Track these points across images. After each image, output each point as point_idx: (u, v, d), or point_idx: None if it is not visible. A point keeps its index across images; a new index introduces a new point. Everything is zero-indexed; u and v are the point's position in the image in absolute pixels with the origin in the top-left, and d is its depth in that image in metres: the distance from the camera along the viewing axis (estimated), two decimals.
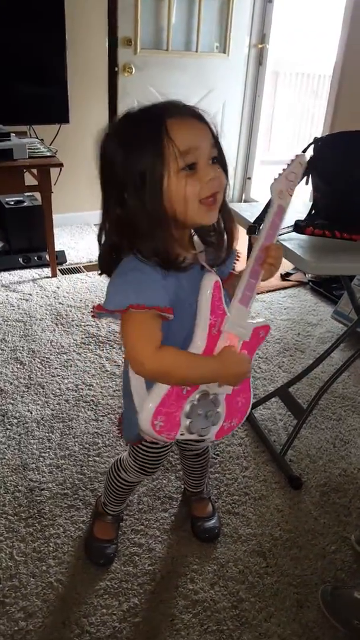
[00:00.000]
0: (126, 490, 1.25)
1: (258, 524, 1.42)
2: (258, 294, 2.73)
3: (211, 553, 1.34)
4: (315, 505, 1.49)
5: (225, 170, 0.84)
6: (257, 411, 1.85)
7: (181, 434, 0.91)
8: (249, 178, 3.99)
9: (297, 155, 0.88)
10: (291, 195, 0.88)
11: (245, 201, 4.00)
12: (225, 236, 0.91)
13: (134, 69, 3.21)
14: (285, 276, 2.93)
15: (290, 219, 1.37)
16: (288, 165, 0.87)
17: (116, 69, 3.19)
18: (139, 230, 0.80)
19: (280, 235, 1.37)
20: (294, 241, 1.35)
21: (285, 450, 1.64)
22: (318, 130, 3.43)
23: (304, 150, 1.45)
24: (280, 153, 4.80)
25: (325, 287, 2.77)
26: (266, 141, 4.90)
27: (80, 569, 1.27)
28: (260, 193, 3.84)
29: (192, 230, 0.90)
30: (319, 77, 4.60)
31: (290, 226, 1.36)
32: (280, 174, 0.87)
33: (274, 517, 1.44)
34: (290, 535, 1.39)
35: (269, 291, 2.81)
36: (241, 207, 1.59)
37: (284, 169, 0.87)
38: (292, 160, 0.87)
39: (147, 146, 0.77)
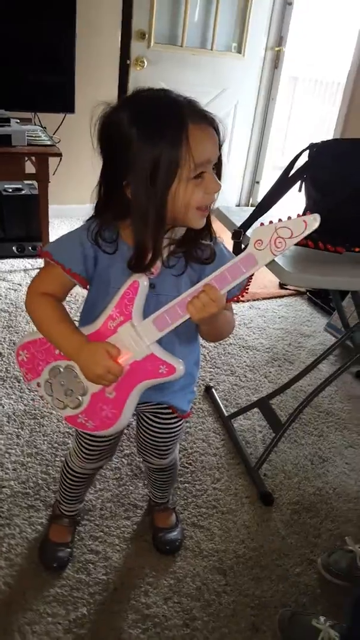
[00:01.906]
0: (75, 483, 1.21)
1: (222, 539, 1.37)
2: (254, 300, 2.71)
3: (169, 566, 1.29)
4: (284, 523, 1.43)
5: (219, 176, 0.83)
6: (236, 421, 1.79)
7: (37, 384, 0.97)
8: (258, 182, 3.93)
9: (307, 215, 0.72)
10: (274, 255, 0.76)
11: (252, 205, 3.94)
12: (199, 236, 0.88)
13: (146, 63, 3.16)
14: (283, 284, 2.87)
15: None
16: (289, 218, 0.73)
17: (128, 61, 3.14)
18: (120, 212, 0.82)
19: None
20: None
21: (260, 464, 1.58)
22: (330, 137, 3.37)
23: (298, 156, 1.40)
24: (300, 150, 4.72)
25: (323, 299, 2.71)
26: (280, 146, 4.84)
27: (31, 573, 1.23)
28: None
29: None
30: (337, 84, 4.52)
31: None
32: (270, 223, 0.75)
33: (239, 534, 1.39)
34: (254, 554, 1.34)
35: (265, 299, 2.76)
36: (230, 210, 1.53)
37: (280, 219, 0.74)
38: (298, 217, 0.72)
39: (164, 144, 0.76)
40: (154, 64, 3.18)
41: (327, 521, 1.46)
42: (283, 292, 2.84)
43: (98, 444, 1.10)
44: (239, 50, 3.42)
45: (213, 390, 1.93)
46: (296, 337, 2.42)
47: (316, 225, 0.71)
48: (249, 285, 0.89)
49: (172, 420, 1.09)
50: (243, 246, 0.77)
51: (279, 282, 2.88)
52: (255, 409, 1.80)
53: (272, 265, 1.24)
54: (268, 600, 1.23)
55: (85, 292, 0.97)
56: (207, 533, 1.38)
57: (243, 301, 2.66)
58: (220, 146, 0.81)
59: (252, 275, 0.86)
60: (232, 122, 3.60)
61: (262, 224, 0.75)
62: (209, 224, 0.88)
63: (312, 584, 1.28)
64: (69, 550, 1.26)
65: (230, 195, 3.88)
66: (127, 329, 0.86)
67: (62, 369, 0.94)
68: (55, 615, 1.15)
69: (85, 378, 0.90)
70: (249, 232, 1.35)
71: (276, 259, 1.25)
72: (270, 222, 0.74)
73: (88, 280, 0.91)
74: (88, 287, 0.93)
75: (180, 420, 1.10)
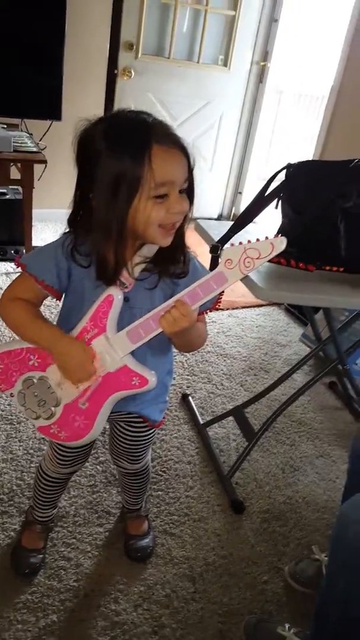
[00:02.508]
0: (49, 488, 1.23)
1: (193, 547, 1.40)
2: (233, 308, 2.75)
3: (140, 573, 1.31)
4: (254, 532, 1.47)
5: (191, 199, 0.87)
6: (211, 429, 1.82)
7: (11, 394, 0.99)
8: (240, 192, 3.99)
9: (275, 238, 0.76)
10: (243, 274, 0.79)
11: (234, 215, 3.99)
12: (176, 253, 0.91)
13: (133, 73, 3.20)
14: None
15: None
16: (257, 240, 0.77)
17: (115, 71, 3.18)
18: (90, 225, 0.84)
19: None
20: None
21: (232, 473, 1.61)
22: (313, 149, 3.44)
23: (275, 175, 1.45)
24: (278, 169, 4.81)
25: (299, 309, 2.76)
26: (264, 156, 4.92)
27: (2, 579, 1.24)
28: None
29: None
30: (321, 98, 4.62)
31: None
32: (240, 244, 0.78)
33: (210, 541, 1.42)
34: (224, 562, 1.37)
35: (244, 307, 2.80)
36: (209, 224, 1.57)
37: (249, 241, 0.78)
38: (266, 239, 0.76)
39: (127, 160, 0.79)
40: (141, 74, 3.22)
41: (295, 530, 1.50)
42: (261, 301, 2.89)
43: (72, 450, 1.12)
44: (225, 63, 3.48)
45: (189, 398, 1.96)
46: (272, 347, 2.46)
47: (282, 247, 0.76)
48: (220, 298, 0.92)
49: (144, 429, 1.12)
50: (220, 260, 0.81)
51: None
52: (230, 417, 1.83)
53: (246, 281, 1.28)
54: (235, 608, 1.26)
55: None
56: (179, 540, 1.41)
57: (222, 309, 2.72)
58: (190, 170, 0.84)
59: (222, 293, 0.90)
60: (216, 133, 3.66)
61: (232, 244, 0.79)
62: (181, 242, 0.91)
63: (279, 592, 1.31)
64: (41, 556, 1.28)
65: (213, 206, 3.94)
66: (100, 341, 0.89)
67: (35, 380, 0.96)
68: (25, 623, 1.16)
69: (59, 369, 0.92)
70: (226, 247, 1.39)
71: (250, 275, 1.30)
72: (240, 242, 0.78)
73: (60, 293, 0.94)
74: (62, 298, 0.96)
75: (151, 429, 1.13)
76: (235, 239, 1.37)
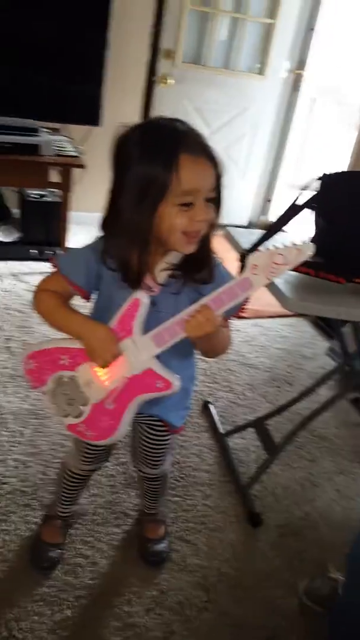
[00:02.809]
0: (72, 484, 1.26)
1: (208, 556, 1.40)
2: (258, 317, 2.74)
3: (154, 578, 1.32)
4: (270, 546, 1.47)
5: (219, 208, 0.88)
6: (231, 439, 1.83)
7: (43, 393, 1.02)
8: (269, 200, 3.99)
9: (302, 244, 0.77)
10: (269, 280, 0.81)
11: (263, 223, 3.98)
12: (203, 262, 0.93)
13: (171, 81, 3.23)
14: None
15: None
16: (285, 246, 0.78)
17: (154, 78, 3.22)
18: (115, 228, 0.88)
19: None
20: (282, 276, 1.33)
21: (251, 484, 1.61)
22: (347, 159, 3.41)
23: (309, 184, 1.44)
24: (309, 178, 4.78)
25: (327, 322, 2.74)
26: (296, 165, 4.90)
27: (21, 571, 1.27)
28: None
29: None
30: (357, 108, 4.57)
31: None
32: (267, 249, 0.79)
33: (225, 552, 1.42)
34: (238, 574, 1.37)
35: (269, 317, 2.79)
36: (239, 232, 1.58)
37: (275, 246, 0.78)
38: (293, 245, 0.77)
39: (155, 167, 0.82)
40: (179, 82, 3.25)
41: (312, 547, 1.49)
42: (288, 312, 2.87)
43: (96, 448, 1.15)
44: (261, 71, 3.49)
45: (210, 405, 1.96)
46: (297, 359, 2.45)
47: (309, 253, 0.77)
48: (245, 305, 0.94)
49: (165, 434, 1.14)
50: (246, 265, 0.82)
51: None
52: (251, 429, 1.83)
53: (274, 290, 1.28)
54: (248, 622, 1.26)
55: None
56: (194, 548, 1.42)
57: (247, 318, 2.72)
58: (218, 178, 0.85)
59: (248, 299, 0.91)
60: (250, 141, 3.66)
61: (259, 250, 0.81)
62: (206, 249, 0.92)
63: (293, 609, 1.31)
64: (59, 551, 1.31)
65: (243, 213, 3.94)
66: (127, 343, 0.91)
67: (66, 379, 0.99)
68: (41, 615, 1.19)
69: (86, 351, 0.95)
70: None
71: (279, 285, 1.31)
72: (268, 248, 0.79)
73: (88, 293, 0.98)
74: (90, 299, 1.00)
75: (171, 434, 1.15)
76: (264, 247, 1.38)
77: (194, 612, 1.26)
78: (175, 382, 0.92)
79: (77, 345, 0.97)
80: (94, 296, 1.02)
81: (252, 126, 3.63)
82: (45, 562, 1.28)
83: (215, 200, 0.87)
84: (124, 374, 0.94)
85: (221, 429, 1.86)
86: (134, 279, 0.90)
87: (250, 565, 1.40)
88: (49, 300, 0.97)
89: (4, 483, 1.48)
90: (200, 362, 2.23)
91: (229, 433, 1.83)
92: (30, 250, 2.77)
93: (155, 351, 0.91)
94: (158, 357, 0.94)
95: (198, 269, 0.92)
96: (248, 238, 1.51)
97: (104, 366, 0.94)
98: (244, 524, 1.51)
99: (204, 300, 0.86)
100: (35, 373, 1.02)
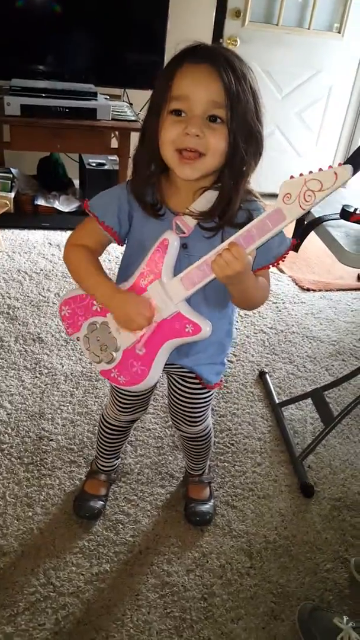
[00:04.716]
0: (111, 436, 1.24)
1: (254, 522, 1.34)
2: (327, 290, 2.59)
3: (196, 540, 1.28)
4: (322, 518, 1.37)
5: (243, 140, 0.79)
6: (287, 410, 1.74)
7: (77, 338, 1.00)
8: None
9: (339, 167, 0.67)
10: (303, 209, 0.72)
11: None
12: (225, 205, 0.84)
13: (238, 42, 3.10)
14: None
15: (338, 204, 1.23)
16: (320, 169, 0.69)
17: (221, 40, 3.10)
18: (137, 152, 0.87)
19: (326, 221, 1.25)
20: (341, 229, 1.22)
21: (305, 455, 1.52)
22: None
23: None
24: None
25: None
26: None
27: (63, 523, 1.28)
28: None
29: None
30: None
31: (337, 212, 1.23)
32: (301, 175, 0.70)
33: (273, 520, 1.35)
34: (285, 542, 1.30)
35: (339, 290, 2.63)
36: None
37: (310, 172, 0.70)
38: (329, 168, 0.68)
39: (161, 78, 0.80)
40: (247, 42, 3.11)
41: None
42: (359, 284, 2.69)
43: (131, 397, 1.12)
44: (339, 30, 3.25)
45: (267, 376, 1.88)
46: None
47: (348, 176, 0.67)
48: (287, 254, 0.85)
49: (199, 389, 1.08)
50: (278, 195, 0.73)
51: (358, 275, 2.73)
52: (309, 400, 1.73)
53: (332, 244, 1.18)
54: (292, 591, 1.19)
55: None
56: (240, 514, 1.36)
57: (314, 290, 2.57)
58: (232, 99, 0.76)
59: (290, 248, 0.82)
60: (324, 105, 3.44)
61: (292, 177, 0.71)
62: (235, 192, 0.82)
63: (341, 583, 1.22)
64: (102, 502, 1.30)
65: None
66: (156, 286, 0.87)
67: (98, 325, 0.97)
68: (79, 566, 1.19)
69: (116, 321, 0.92)
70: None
71: (338, 238, 1.20)
72: (301, 174, 0.70)
73: (120, 236, 0.92)
74: (123, 244, 0.95)
75: (207, 390, 1.09)
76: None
77: (236, 576, 1.21)
78: (206, 327, 0.87)
79: None
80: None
81: (327, 90, 3.41)
82: (86, 512, 1.28)
83: (230, 127, 0.77)
84: (154, 320, 0.89)
85: (277, 399, 1.77)
86: (150, 207, 0.86)
87: (299, 536, 1.32)
88: (80, 258, 0.93)
89: (51, 440, 1.50)
90: (260, 333, 2.15)
91: (285, 403, 1.74)
92: None
93: (184, 294, 0.85)
94: (195, 303, 0.89)
95: (230, 210, 0.83)
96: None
97: (140, 329, 0.90)
98: (295, 494, 1.43)
99: (233, 237, 0.78)
100: (70, 319, 1.01)
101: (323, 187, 0.68)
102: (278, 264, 0.88)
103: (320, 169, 0.69)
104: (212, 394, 1.12)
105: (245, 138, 0.79)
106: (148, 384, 0.94)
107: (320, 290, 2.61)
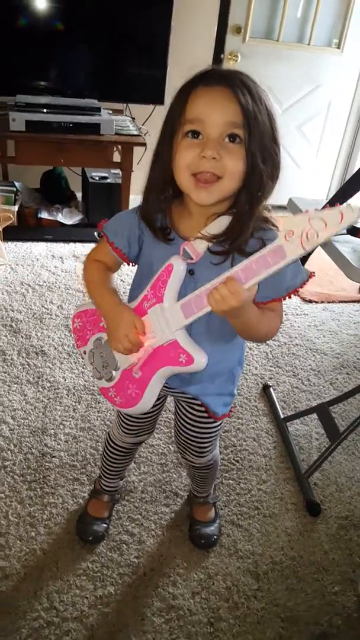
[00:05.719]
0: (116, 457, 1.22)
1: (260, 542, 1.32)
2: (329, 302, 2.58)
3: (202, 561, 1.26)
4: (329, 537, 1.35)
5: (262, 161, 0.76)
6: (292, 425, 1.72)
7: (83, 352, 1.01)
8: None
9: (346, 206, 0.63)
10: (304, 249, 0.67)
11: None
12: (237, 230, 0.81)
13: (239, 57, 3.12)
14: None
15: None
16: (327, 206, 0.67)
17: (222, 55, 3.12)
18: (147, 178, 0.86)
19: (334, 236, 1.24)
20: (348, 244, 1.21)
21: (311, 472, 1.50)
22: None
23: None
24: None
25: None
26: None
27: (66, 544, 1.26)
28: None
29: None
30: None
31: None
32: (305, 212, 0.67)
33: (279, 540, 1.33)
34: (292, 563, 1.27)
35: (341, 302, 2.62)
36: (303, 201, 1.47)
37: (316, 209, 0.66)
38: (335, 207, 0.64)
39: (175, 101, 0.78)
40: (248, 58, 3.13)
41: None
42: None
43: (136, 419, 1.10)
44: (338, 45, 3.28)
45: (271, 389, 1.86)
46: None
47: (355, 217, 0.62)
48: (301, 287, 0.83)
49: (206, 418, 1.04)
50: (280, 232, 0.70)
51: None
52: (314, 415, 1.71)
53: (339, 259, 1.17)
54: (300, 615, 1.16)
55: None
56: (246, 534, 1.33)
57: (316, 302, 2.57)
58: (248, 118, 0.74)
59: (306, 281, 0.82)
60: (324, 118, 3.46)
61: (294, 215, 0.69)
62: (249, 216, 0.79)
63: (350, 606, 1.19)
64: (105, 525, 1.28)
65: (318, 192, 3.75)
66: (156, 311, 0.85)
67: (103, 342, 0.96)
68: (83, 589, 1.16)
69: (107, 338, 0.93)
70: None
71: (345, 253, 1.19)
72: (307, 211, 0.67)
73: (130, 258, 0.92)
74: (133, 264, 0.94)
75: (215, 421, 1.05)
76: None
77: (243, 599, 1.18)
78: (201, 359, 0.83)
79: None
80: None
81: (327, 104, 3.43)
82: (90, 535, 1.26)
83: (247, 148, 0.75)
84: (149, 345, 0.87)
85: (282, 413, 1.76)
86: (160, 231, 0.85)
87: (306, 556, 1.29)
88: (92, 272, 0.96)
89: (54, 457, 1.48)
90: (262, 345, 2.13)
91: (290, 418, 1.72)
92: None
93: (183, 322, 0.83)
94: (198, 333, 0.87)
95: (241, 236, 0.80)
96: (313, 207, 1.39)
97: (124, 352, 0.89)
98: (301, 512, 1.41)
99: (231, 271, 0.75)
100: (80, 332, 1.01)
101: (327, 227, 0.64)
102: (290, 296, 0.84)
103: (327, 206, 0.66)
104: (220, 425, 1.08)
105: (263, 159, 0.76)
106: (141, 408, 0.92)
107: (322, 302, 2.60)
